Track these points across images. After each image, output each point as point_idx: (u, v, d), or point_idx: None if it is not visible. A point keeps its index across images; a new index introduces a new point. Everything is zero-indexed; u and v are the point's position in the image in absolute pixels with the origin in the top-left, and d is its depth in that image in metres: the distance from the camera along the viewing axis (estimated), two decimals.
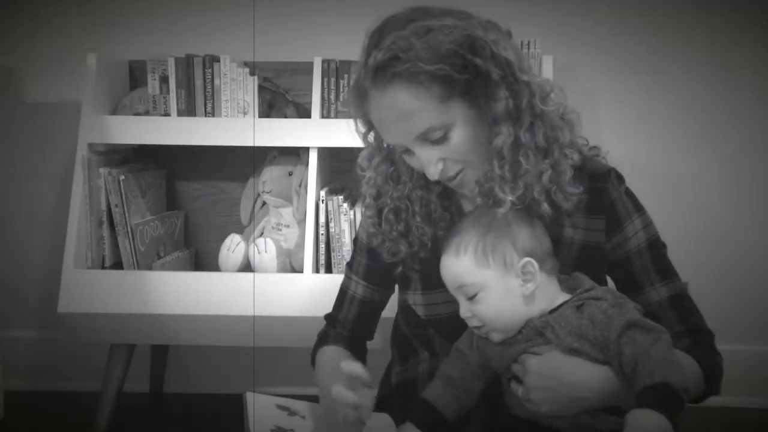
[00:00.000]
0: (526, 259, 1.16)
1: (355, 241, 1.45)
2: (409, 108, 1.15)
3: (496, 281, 1.16)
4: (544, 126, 1.20)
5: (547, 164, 1.20)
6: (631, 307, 1.15)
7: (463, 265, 1.17)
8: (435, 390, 1.25)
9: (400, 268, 1.35)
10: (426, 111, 1.15)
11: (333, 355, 1.39)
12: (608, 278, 1.34)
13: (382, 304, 1.47)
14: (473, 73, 1.14)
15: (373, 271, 1.42)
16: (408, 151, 1.21)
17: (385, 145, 1.29)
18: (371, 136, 1.29)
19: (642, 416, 1.00)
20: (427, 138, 1.17)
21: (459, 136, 1.18)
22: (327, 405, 1.24)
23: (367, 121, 1.26)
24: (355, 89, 1.21)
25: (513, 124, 1.17)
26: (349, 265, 1.46)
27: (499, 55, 1.15)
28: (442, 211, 1.31)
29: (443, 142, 1.18)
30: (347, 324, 1.44)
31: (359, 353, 1.43)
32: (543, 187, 1.20)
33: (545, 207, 1.20)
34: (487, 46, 1.14)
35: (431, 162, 1.19)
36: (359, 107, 1.22)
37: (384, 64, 1.14)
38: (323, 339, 1.44)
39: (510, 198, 1.18)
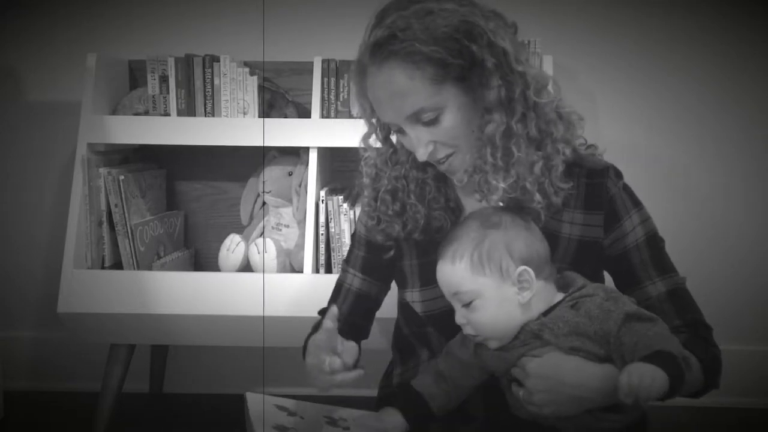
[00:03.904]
0: (522, 267, 1.16)
1: (353, 236, 1.47)
2: (403, 87, 1.17)
3: (492, 289, 1.16)
4: (537, 118, 1.21)
5: (539, 156, 1.21)
6: (625, 299, 1.16)
7: (458, 272, 1.17)
8: (425, 381, 1.26)
9: (392, 252, 1.36)
10: (419, 91, 1.17)
11: (324, 336, 1.39)
12: (606, 274, 1.34)
13: (378, 302, 1.47)
14: (468, 59, 1.16)
15: (370, 263, 1.43)
16: (401, 130, 1.23)
17: (386, 128, 1.31)
18: (374, 119, 1.30)
19: (637, 367, 0.99)
20: (419, 119, 1.20)
21: (450, 120, 1.20)
22: (311, 363, 1.23)
23: (368, 101, 1.27)
24: (356, 66, 1.23)
25: (505, 112, 1.19)
26: (347, 260, 1.47)
27: (495, 43, 1.17)
28: (437, 192, 1.32)
29: (434, 125, 1.20)
30: (341, 317, 1.43)
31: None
32: (535, 178, 1.21)
33: (538, 198, 1.21)
34: (484, 34, 1.16)
35: (421, 143, 1.22)
36: (359, 84, 1.24)
37: (382, 42, 1.17)
38: (316, 328, 1.43)
39: (502, 185, 1.19)
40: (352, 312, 1.45)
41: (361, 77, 1.23)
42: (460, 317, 1.19)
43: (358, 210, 1.92)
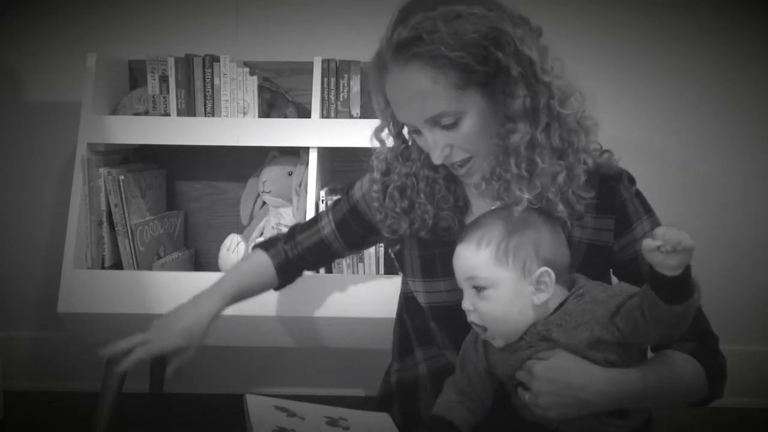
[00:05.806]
0: (544, 268, 1.15)
1: (347, 191, 1.48)
2: (425, 90, 1.16)
3: (510, 283, 1.15)
4: (560, 128, 1.20)
5: (562, 166, 1.21)
6: (626, 286, 1.16)
7: (481, 258, 1.16)
8: (448, 404, 1.23)
9: (398, 247, 1.37)
10: (441, 96, 1.16)
11: (253, 265, 1.50)
12: (614, 278, 1.34)
13: (336, 255, 1.52)
14: (493, 67, 1.15)
15: (346, 225, 1.46)
16: (418, 131, 1.22)
17: (399, 123, 1.30)
18: (388, 113, 1.29)
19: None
20: (437, 122, 1.18)
21: (470, 125, 1.18)
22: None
23: (384, 96, 1.26)
24: (376, 60, 1.22)
25: (529, 123, 1.17)
26: (333, 204, 1.50)
27: (522, 52, 1.15)
28: (446, 192, 1.31)
29: (453, 129, 1.19)
30: (299, 247, 1.50)
31: (292, 274, 1.53)
32: (558, 188, 1.20)
33: (561, 208, 1.20)
34: (512, 42, 1.15)
35: (438, 146, 1.20)
36: (378, 79, 1.23)
37: (407, 42, 1.15)
38: (269, 243, 1.52)
39: (527, 196, 1.18)
40: (310, 250, 1.50)
41: (381, 72, 1.21)
42: (467, 303, 1.17)
43: None
